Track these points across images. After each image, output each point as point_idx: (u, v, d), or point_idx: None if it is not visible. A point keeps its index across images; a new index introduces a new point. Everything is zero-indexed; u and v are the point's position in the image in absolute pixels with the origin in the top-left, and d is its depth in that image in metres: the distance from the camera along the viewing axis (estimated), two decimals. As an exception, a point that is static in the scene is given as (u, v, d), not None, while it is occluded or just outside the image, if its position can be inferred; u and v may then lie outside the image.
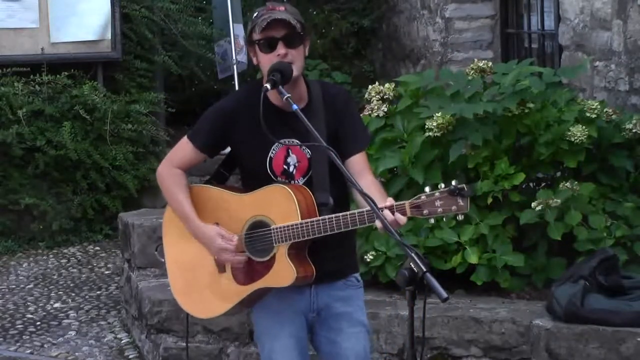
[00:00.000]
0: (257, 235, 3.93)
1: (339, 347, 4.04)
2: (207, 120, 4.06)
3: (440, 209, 3.59)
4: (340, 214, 3.76)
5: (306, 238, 3.81)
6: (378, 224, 3.64)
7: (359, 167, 3.93)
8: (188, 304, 4.15)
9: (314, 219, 3.80)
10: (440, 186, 3.62)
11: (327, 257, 3.95)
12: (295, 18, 3.89)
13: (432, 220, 3.70)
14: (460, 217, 3.66)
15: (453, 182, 3.59)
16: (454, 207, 3.58)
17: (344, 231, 3.79)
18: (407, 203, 3.64)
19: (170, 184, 4.07)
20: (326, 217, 3.78)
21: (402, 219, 3.64)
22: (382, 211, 3.62)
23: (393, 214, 3.64)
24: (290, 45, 3.89)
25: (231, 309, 4.06)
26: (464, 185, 3.59)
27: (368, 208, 3.66)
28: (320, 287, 4.02)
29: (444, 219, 3.83)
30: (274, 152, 3.96)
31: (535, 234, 5.91)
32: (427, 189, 3.64)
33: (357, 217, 3.73)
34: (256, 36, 3.91)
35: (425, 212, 3.62)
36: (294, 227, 3.82)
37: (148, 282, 6.62)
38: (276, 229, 3.86)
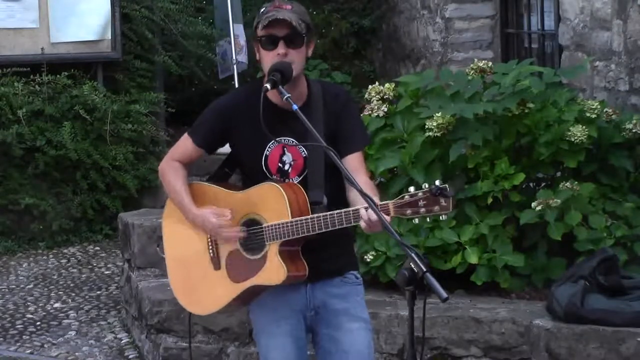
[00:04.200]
0: (250, 233, 3.95)
1: (339, 343, 4.04)
2: (206, 117, 4.09)
3: (423, 209, 3.60)
4: (335, 212, 3.76)
5: (297, 236, 3.83)
6: (362, 224, 3.66)
7: (353, 166, 3.91)
8: (185, 300, 4.18)
9: (305, 217, 3.82)
10: (424, 186, 3.62)
11: (324, 256, 3.96)
12: (300, 18, 3.90)
13: (416, 220, 3.69)
14: (443, 218, 3.66)
15: (436, 182, 3.59)
16: (436, 208, 3.59)
17: (341, 230, 3.80)
18: (390, 203, 3.65)
19: (170, 176, 4.10)
20: (316, 215, 3.80)
21: (385, 219, 3.63)
22: (366, 210, 3.64)
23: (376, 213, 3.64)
24: (290, 45, 3.90)
25: (225, 306, 4.07)
26: (447, 185, 3.58)
27: (357, 206, 3.67)
28: (316, 285, 4.03)
29: (427, 219, 3.80)
30: (269, 149, 3.98)
31: (535, 234, 5.91)
32: (411, 188, 3.65)
33: (348, 215, 3.73)
34: (259, 32, 3.93)
35: (408, 212, 3.62)
36: (285, 225, 3.84)
37: (148, 282, 6.63)
38: (268, 227, 3.88)
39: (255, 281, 3.94)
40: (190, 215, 4.05)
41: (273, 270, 3.89)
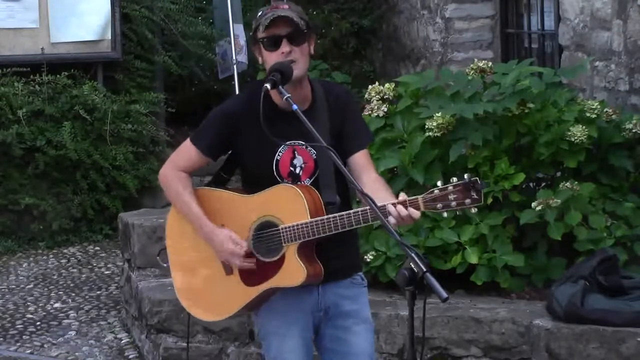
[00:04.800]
0: (266, 236, 3.92)
1: (347, 344, 4.04)
2: (210, 123, 4.04)
3: (454, 202, 3.58)
4: (352, 211, 3.75)
5: (316, 237, 3.80)
6: (392, 220, 3.63)
7: (362, 164, 3.93)
8: (194, 306, 4.14)
9: (324, 217, 3.80)
10: (453, 180, 3.60)
11: (333, 256, 3.95)
12: (299, 16, 3.89)
13: (445, 214, 3.66)
14: (474, 210, 3.63)
15: (465, 176, 3.58)
16: (467, 200, 3.57)
17: (348, 231, 3.79)
18: (420, 198, 3.63)
19: (177, 186, 4.05)
20: (336, 215, 3.77)
21: (415, 214, 3.63)
22: (395, 206, 3.62)
23: (406, 208, 3.63)
24: (294, 42, 3.88)
25: (239, 311, 4.04)
26: (477, 178, 3.57)
27: (377, 205, 3.65)
28: (327, 286, 4.02)
29: (456, 212, 3.76)
30: (280, 154, 3.95)
31: (535, 234, 5.91)
32: (439, 183, 3.63)
33: (368, 214, 3.70)
34: (260, 34, 3.90)
35: (439, 206, 3.60)
36: (304, 226, 3.81)
37: (148, 282, 6.63)
38: (285, 228, 3.85)
39: (272, 283, 3.92)
40: (205, 231, 3.98)
41: (292, 271, 3.86)
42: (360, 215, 3.72)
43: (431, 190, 3.63)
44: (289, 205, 3.85)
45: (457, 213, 3.65)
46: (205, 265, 4.05)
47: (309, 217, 3.81)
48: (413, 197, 3.65)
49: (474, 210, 3.63)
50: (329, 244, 3.88)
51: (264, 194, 3.93)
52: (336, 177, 3.93)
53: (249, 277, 3.96)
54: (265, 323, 4.10)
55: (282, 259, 3.88)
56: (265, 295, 3.97)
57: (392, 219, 3.63)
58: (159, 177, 4.14)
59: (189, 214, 4.03)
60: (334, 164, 3.87)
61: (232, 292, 4.00)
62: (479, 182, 3.56)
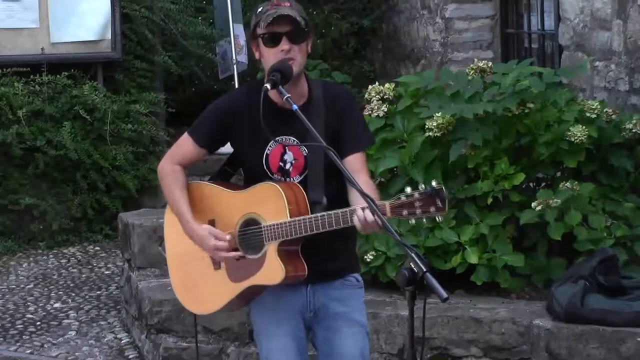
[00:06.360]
0: (250, 233, 3.95)
1: (335, 346, 4.05)
2: (207, 116, 4.10)
3: (419, 210, 3.59)
4: (333, 211, 3.76)
5: (295, 236, 3.82)
6: (357, 224, 3.65)
7: (354, 167, 3.91)
8: (185, 298, 4.19)
9: (302, 217, 3.82)
10: (420, 187, 3.62)
11: (324, 257, 3.96)
12: (300, 14, 3.92)
13: (413, 221, 3.68)
14: (440, 219, 3.65)
15: (433, 183, 3.59)
16: (432, 209, 3.58)
17: (343, 231, 3.79)
18: (387, 204, 3.64)
19: (170, 181, 4.10)
20: (313, 215, 3.80)
21: (384, 219, 3.62)
22: (363, 211, 3.64)
23: (373, 214, 3.64)
24: (293, 41, 3.91)
25: (225, 306, 4.08)
26: (442, 186, 3.58)
27: (354, 207, 3.67)
28: (317, 286, 4.03)
29: (424, 220, 3.77)
30: (270, 149, 3.98)
31: (535, 234, 5.91)
32: (407, 189, 3.64)
33: (345, 215, 3.72)
34: (260, 30, 3.93)
35: (404, 213, 3.61)
36: (283, 225, 3.84)
37: (148, 282, 6.63)
38: (267, 226, 3.88)
39: (254, 281, 3.95)
40: (187, 228, 4.05)
41: (271, 270, 3.89)
42: (340, 216, 3.73)
43: (398, 196, 3.64)
44: (270, 204, 3.88)
45: (424, 220, 3.66)
46: (196, 258, 4.09)
47: (287, 216, 3.83)
48: (380, 203, 3.66)
49: (439, 219, 3.64)
50: (321, 244, 3.88)
51: (249, 191, 3.98)
52: (329, 176, 3.93)
53: (234, 273, 4.00)
54: (256, 321, 4.13)
55: (264, 257, 3.91)
56: (251, 291, 3.99)
57: (357, 223, 3.66)
58: (157, 170, 4.19)
59: (176, 211, 4.09)
60: (324, 163, 3.89)
61: (218, 287, 4.04)
62: (443, 190, 3.57)
